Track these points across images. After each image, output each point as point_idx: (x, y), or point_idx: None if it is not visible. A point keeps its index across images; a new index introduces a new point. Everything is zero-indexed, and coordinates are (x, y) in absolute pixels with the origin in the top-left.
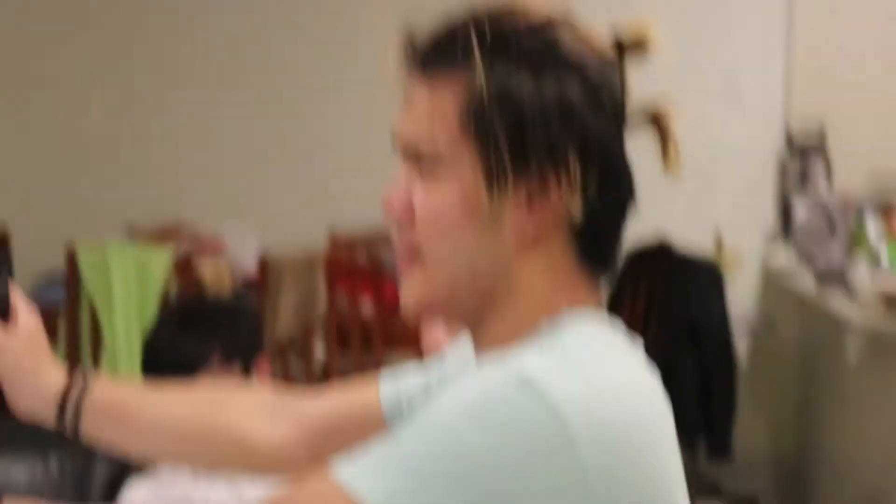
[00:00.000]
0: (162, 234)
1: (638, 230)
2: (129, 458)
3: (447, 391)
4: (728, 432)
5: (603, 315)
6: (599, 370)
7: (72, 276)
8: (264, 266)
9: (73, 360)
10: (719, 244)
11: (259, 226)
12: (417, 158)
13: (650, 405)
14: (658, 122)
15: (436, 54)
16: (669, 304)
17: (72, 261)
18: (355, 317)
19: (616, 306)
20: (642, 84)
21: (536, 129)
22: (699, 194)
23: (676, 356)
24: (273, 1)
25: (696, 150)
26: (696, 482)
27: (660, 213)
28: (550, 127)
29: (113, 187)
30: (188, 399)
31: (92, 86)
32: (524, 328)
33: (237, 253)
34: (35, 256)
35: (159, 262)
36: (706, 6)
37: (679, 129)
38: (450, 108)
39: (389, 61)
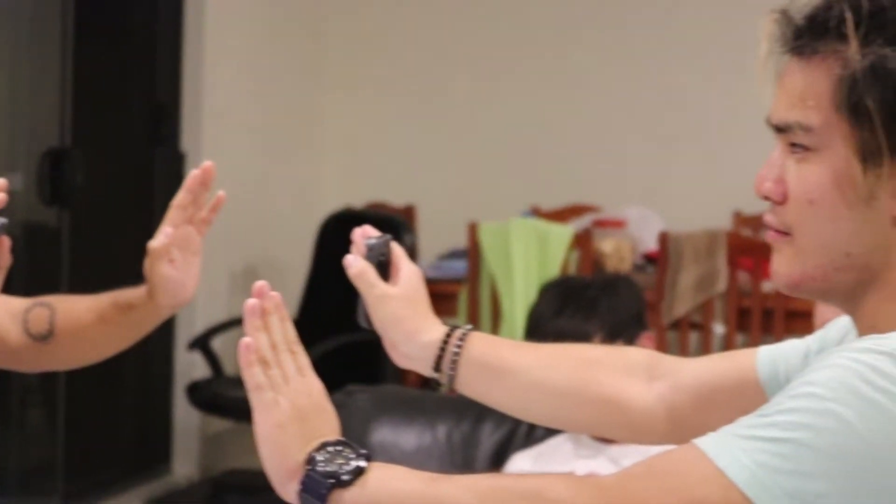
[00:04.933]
0: (564, 215)
1: None
2: (504, 411)
3: (816, 365)
4: None
5: None
6: None
7: (473, 249)
8: (665, 242)
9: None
10: None
11: (662, 210)
12: (792, 138)
13: None
14: None
15: (810, 32)
16: None
17: (473, 235)
18: (756, 295)
19: None
20: None
21: None
22: None
23: None
24: None
25: None
26: None
27: None
28: None
29: (516, 173)
30: (564, 357)
31: (497, 74)
32: None
33: (638, 230)
34: (440, 233)
35: (560, 237)
36: None
37: None
38: (823, 87)
39: (763, 41)
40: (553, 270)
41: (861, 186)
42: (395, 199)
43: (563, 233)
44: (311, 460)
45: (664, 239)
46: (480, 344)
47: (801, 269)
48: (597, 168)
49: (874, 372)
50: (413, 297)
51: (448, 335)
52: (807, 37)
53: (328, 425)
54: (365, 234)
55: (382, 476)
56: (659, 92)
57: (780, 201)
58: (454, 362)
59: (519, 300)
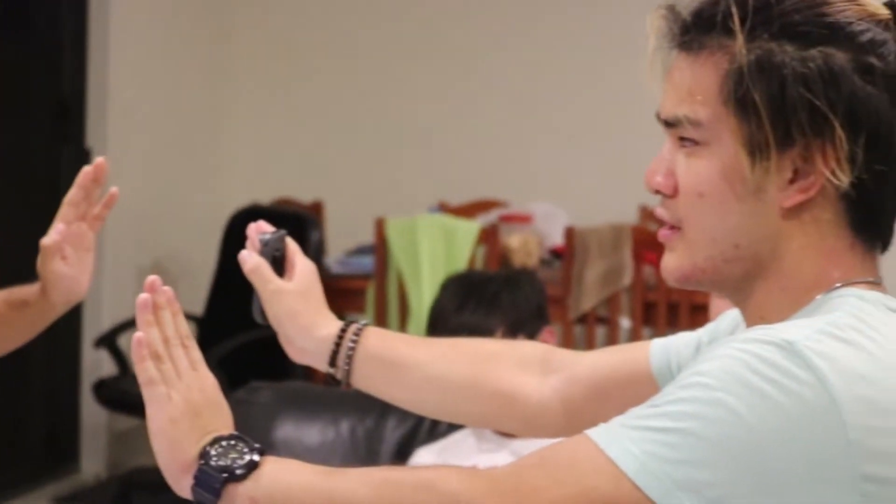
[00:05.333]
0: (470, 210)
1: None
2: (400, 406)
3: (705, 356)
4: None
5: (881, 291)
6: (867, 339)
7: (380, 245)
8: (571, 237)
9: (380, 325)
10: None
11: (569, 205)
12: (681, 132)
13: None
14: None
15: (697, 28)
16: None
17: (380, 231)
18: (662, 289)
19: None
20: None
21: (798, 99)
22: None
23: None
24: None
25: None
26: None
27: None
28: (814, 97)
29: (423, 169)
30: (460, 352)
31: (404, 71)
32: (795, 301)
33: (545, 225)
34: (347, 229)
35: (467, 233)
36: None
37: None
38: (711, 81)
39: (651, 37)
40: (460, 266)
41: (749, 180)
42: (303, 195)
43: (470, 228)
44: (204, 455)
45: (570, 234)
46: (376, 339)
47: (692, 262)
48: (503, 164)
49: (762, 362)
50: (308, 292)
51: (343, 330)
52: (694, 32)
53: (222, 420)
54: (259, 230)
55: (276, 470)
56: (563, 88)
57: (671, 195)
58: (349, 357)
59: (426, 295)
